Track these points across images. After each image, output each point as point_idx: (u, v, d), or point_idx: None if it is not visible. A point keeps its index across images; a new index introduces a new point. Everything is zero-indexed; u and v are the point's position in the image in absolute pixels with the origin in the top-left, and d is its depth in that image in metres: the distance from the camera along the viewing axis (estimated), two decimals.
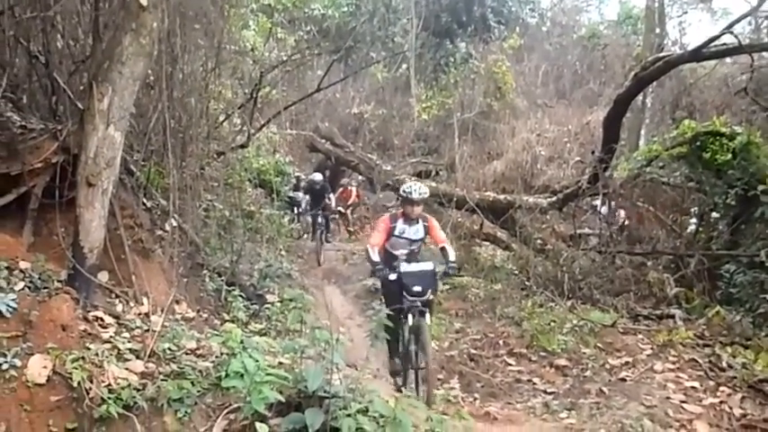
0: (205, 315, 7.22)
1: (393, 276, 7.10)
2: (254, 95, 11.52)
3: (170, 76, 7.83)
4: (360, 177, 21.49)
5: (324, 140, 20.01)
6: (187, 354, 5.03)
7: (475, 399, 6.64)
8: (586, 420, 5.57)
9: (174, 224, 7.79)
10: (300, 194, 17.69)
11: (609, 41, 28.18)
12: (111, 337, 4.97)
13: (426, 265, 7.22)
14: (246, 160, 13.82)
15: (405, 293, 6.93)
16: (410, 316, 6.94)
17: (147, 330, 5.25)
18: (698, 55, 11.23)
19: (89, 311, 5.24)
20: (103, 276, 5.92)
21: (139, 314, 5.68)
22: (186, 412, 4.23)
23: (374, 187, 19.40)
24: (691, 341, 7.71)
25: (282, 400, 3.81)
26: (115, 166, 5.62)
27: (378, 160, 19.48)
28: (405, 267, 7.11)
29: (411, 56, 12.62)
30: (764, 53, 12.55)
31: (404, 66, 16.76)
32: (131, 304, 5.85)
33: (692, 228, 12.21)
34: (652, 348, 7.71)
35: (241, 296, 8.10)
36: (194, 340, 5.38)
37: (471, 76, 21.96)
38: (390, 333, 7.19)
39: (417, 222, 7.64)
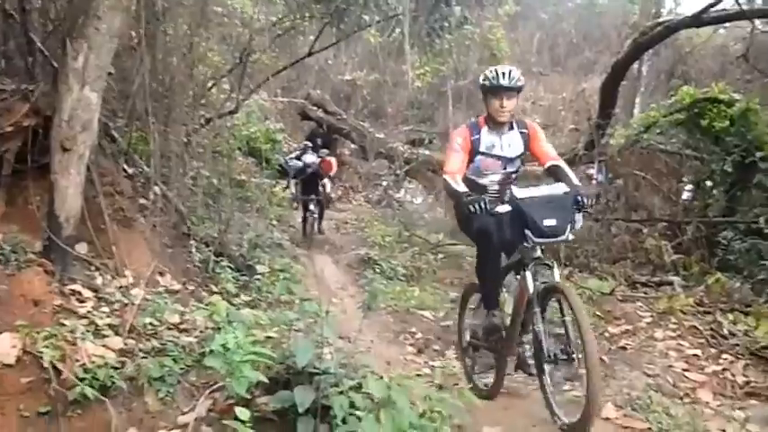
0: (191, 287, 6.93)
1: (504, 208, 4.66)
2: (243, 60, 11.19)
3: (153, 36, 7.49)
4: (352, 145, 21.25)
5: (315, 108, 19.72)
6: (170, 329, 4.78)
7: None
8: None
9: (159, 192, 7.53)
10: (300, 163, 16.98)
11: (605, 10, 27.86)
12: (88, 312, 4.69)
13: (556, 188, 4.75)
14: (236, 128, 13.52)
15: (529, 232, 4.49)
16: (528, 275, 4.66)
17: (128, 304, 4.98)
18: (699, 20, 11.00)
19: (65, 285, 4.93)
20: (82, 247, 5.63)
21: (120, 287, 5.39)
22: (168, 391, 3.97)
23: (367, 155, 19.14)
24: (691, 308, 7.52)
25: (266, 380, 3.54)
26: (92, 129, 5.30)
27: (370, 128, 19.24)
28: (522, 191, 4.63)
29: (405, 19, 12.23)
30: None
31: (397, 30, 16.36)
32: (112, 276, 5.57)
33: (687, 195, 12.07)
34: (652, 316, 7.51)
35: (230, 267, 7.80)
36: (178, 314, 5.12)
37: (466, 43, 21.62)
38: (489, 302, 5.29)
39: (512, 129, 5.22)
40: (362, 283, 8.99)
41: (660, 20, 12.48)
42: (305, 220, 14.28)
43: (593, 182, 14.37)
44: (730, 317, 7.13)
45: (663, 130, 11.48)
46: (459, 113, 22.99)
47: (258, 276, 8.26)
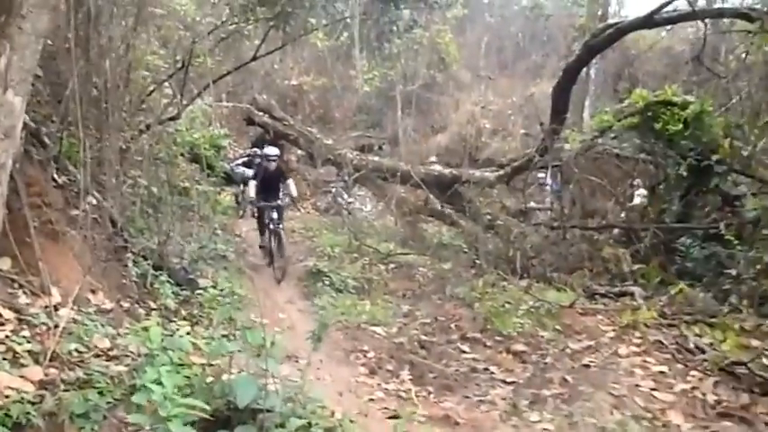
0: (127, 304, 6.48)
1: None
2: (186, 64, 10.73)
3: (87, 38, 6.99)
4: (299, 152, 20.78)
5: (261, 113, 19.21)
6: (98, 355, 4.36)
7: (429, 393, 6.00)
8: (564, 427, 5.00)
9: (93, 202, 7.03)
10: (249, 171, 16.25)
11: (551, 13, 27.91)
12: (6, 336, 4.24)
13: None
14: (179, 133, 12.99)
15: None
16: None
17: (52, 328, 4.51)
18: (650, 21, 10.89)
19: None
20: (4, 263, 5.17)
21: (46, 307, 4.92)
22: (93, 429, 3.52)
23: (314, 162, 18.68)
24: (654, 321, 7.25)
25: None
26: (14, 136, 4.82)
27: (318, 134, 18.80)
28: None
29: (354, 23, 11.85)
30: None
31: (345, 34, 16.05)
32: (37, 295, 5.09)
33: (638, 200, 11.95)
34: (614, 330, 7.22)
35: (169, 282, 7.34)
36: (108, 338, 4.68)
37: (414, 47, 21.42)
38: None
39: None
40: (313, 308, 8.42)
41: (611, 22, 12.35)
42: (265, 232, 11.77)
43: (546, 188, 14.26)
44: (695, 329, 6.89)
45: (617, 134, 11.30)
46: (409, 118, 22.81)
47: (200, 291, 7.79)
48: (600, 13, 21.32)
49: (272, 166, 11.86)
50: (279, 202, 11.70)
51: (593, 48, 11.87)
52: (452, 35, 24.12)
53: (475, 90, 24.66)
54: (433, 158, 19.81)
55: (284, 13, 12.00)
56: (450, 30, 24.06)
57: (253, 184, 11.82)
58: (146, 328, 4.53)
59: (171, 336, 4.42)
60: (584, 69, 18.37)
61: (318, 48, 20.67)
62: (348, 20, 13.71)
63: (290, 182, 11.98)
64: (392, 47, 16.84)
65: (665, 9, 10.39)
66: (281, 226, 11.33)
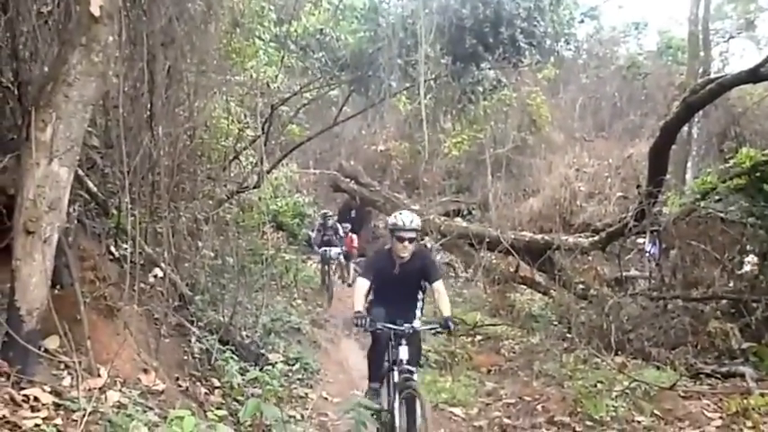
0: (185, 384, 6.12)
1: None
2: (266, 131, 10.64)
3: (149, 107, 6.84)
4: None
5: (348, 179, 19.15)
6: None
7: None
8: None
9: (160, 274, 6.80)
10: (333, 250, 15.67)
11: (649, 71, 27.11)
12: (35, 425, 3.88)
13: None
14: (262, 201, 12.90)
15: None
16: None
17: (93, 412, 4.16)
18: (756, 74, 10.01)
19: (22, 389, 4.18)
20: (53, 342, 4.88)
21: (90, 389, 4.58)
22: None
23: None
24: None
25: None
26: (61, 209, 4.61)
27: (405, 199, 18.54)
28: None
29: (420, 81, 11.47)
30: None
31: (428, 96, 15.75)
32: (82, 376, 4.77)
33: (747, 268, 10.96)
34: (722, 418, 6.35)
35: (233, 358, 6.94)
36: (148, 426, 4.27)
37: (504, 109, 21.03)
38: None
39: None
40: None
41: (712, 77, 11.59)
42: (383, 377, 6.31)
43: (646, 255, 13.44)
44: None
45: (722, 196, 10.45)
46: (499, 182, 22.31)
47: (269, 366, 7.37)
48: (701, 70, 20.48)
49: (407, 252, 6.07)
50: (415, 325, 5.98)
51: (693, 105, 11.09)
52: (545, 96, 23.67)
53: (569, 152, 24.00)
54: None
55: (364, 77, 11.87)
56: (543, 91, 23.64)
57: (363, 285, 6.03)
58: (180, 418, 4.15)
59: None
60: (686, 128, 17.55)
61: (401, 111, 20.62)
62: (431, 82, 13.40)
63: (440, 285, 6.13)
64: (478, 108, 16.48)
65: None
66: (414, 374, 5.71)
